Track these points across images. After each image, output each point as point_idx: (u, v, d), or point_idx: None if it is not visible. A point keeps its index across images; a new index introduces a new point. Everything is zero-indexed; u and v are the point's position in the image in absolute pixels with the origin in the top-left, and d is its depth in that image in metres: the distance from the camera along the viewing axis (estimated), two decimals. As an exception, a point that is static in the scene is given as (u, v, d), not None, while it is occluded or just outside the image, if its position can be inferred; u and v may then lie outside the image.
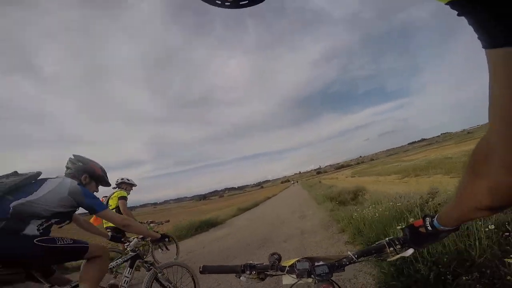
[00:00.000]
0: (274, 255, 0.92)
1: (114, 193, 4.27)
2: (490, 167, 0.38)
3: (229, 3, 0.43)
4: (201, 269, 0.92)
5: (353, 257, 0.83)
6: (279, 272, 0.89)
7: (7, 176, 1.69)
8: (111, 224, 3.84)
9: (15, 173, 1.73)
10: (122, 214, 3.92)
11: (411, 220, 2.92)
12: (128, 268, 2.25)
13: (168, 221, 5.83)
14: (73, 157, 2.11)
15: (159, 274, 2.37)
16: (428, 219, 0.70)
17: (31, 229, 1.60)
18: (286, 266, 0.88)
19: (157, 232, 3.30)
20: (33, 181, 1.75)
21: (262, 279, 0.92)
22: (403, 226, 0.86)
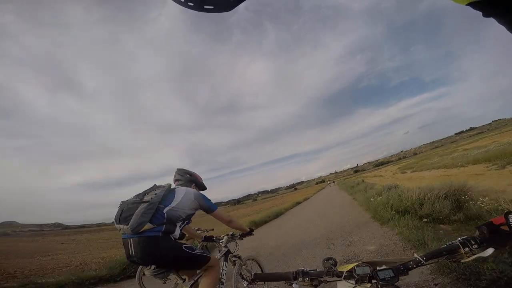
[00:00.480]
0: (330, 260, 0.86)
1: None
2: None
3: (192, 4, 0.43)
4: (252, 277, 0.93)
5: (421, 259, 0.77)
6: (335, 278, 0.84)
7: (154, 188, 2.08)
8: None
9: (156, 186, 2.13)
10: None
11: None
12: (224, 262, 2.57)
13: (213, 229, 5.11)
14: (178, 170, 2.50)
15: (243, 266, 2.77)
16: (511, 216, 0.67)
17: (177, 230, 1.98)
18: (343, 272, 0.83)
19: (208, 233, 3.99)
20: (169, 191, 2.09)
21: (316, 286, 0.86)
22: (479, 225, 0.75)
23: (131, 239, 1.78)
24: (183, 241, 2.31)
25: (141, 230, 1.74)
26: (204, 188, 2.62)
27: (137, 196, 1.97)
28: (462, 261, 0.75)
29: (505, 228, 0.68)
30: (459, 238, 0.76)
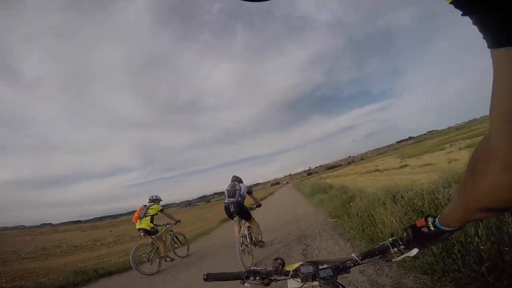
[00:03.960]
0: (278, 260, 0.94)
1: (152, 205, 6.34)
2: (490, 166, 0.37)
3: None
4: (205, 277, 0.95)
5: (357, 259, 0.83)
6: (283, 277, 0.91)
7: (235, 184, 5.14)
8: (142, 226, 5.98)
9: (235, 183, 5.17)
10: (167, 219, 7.13)
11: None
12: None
13: (180, 221, 7.14)
14: (234, 177, 5.52)
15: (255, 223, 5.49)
16: (430, 219, 0.71)
17: (244, 201, 5.16)
18: (290, 271, 0.89)
19: (172, 231, 6.98)
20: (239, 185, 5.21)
21: (267, 285, 0.94)
22: (406, 227, 0.82)
23: (232, 204, 4.84)
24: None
25: (237, 201, 4.89)
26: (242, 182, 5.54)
27: (232, 187, 5.04)
28: (393, 260, 0.81)
29: (425, 230, 0.71)
30: (390, 239, 0.81)
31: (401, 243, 0.78)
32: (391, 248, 0.79)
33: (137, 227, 6.07)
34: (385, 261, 0.88)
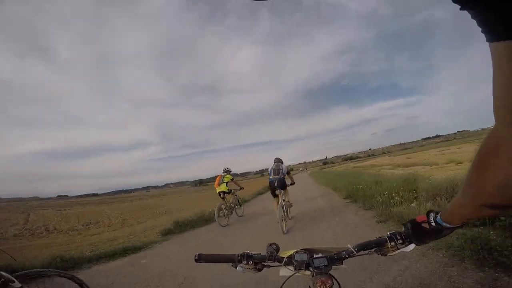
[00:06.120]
0: (272, 245, 0.91)
1: (226, 175, 8.63)
2: (498, 160, 0.36)
3: None
4: (196, 258, 0.91)
5: (353, 250, 0.81)
6: (277, 263, 0.87)
7: (278, 164, 6.58)
8: (222, 189, 8.35)
9: (279, 164, 6.61)
10: (236, 186, 9.25)
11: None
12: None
13: (243, 188, 9.62)
14: (276, 159, 6.78)
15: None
16: (432, 215, 0.69)
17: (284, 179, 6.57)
18: (284, 257, 0.86)
19: (236, 195, 9.03)
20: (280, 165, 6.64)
21: (259, 270, 0.90)
22: (405, 221, 0.79)
23: (276, 180, 6.23)
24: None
25: (280, 177, 6.27)
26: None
27: (276, 166, 6.47)
28: (388, 254, 0.79)
29: (426, 225, 0.69)
30: (388, 233, 0.79)
31: (399, 237, 0.76)
32: (388, 242, 0.77)
33: (217, 191, 8.45)
34: (380, 255, 0.80)
